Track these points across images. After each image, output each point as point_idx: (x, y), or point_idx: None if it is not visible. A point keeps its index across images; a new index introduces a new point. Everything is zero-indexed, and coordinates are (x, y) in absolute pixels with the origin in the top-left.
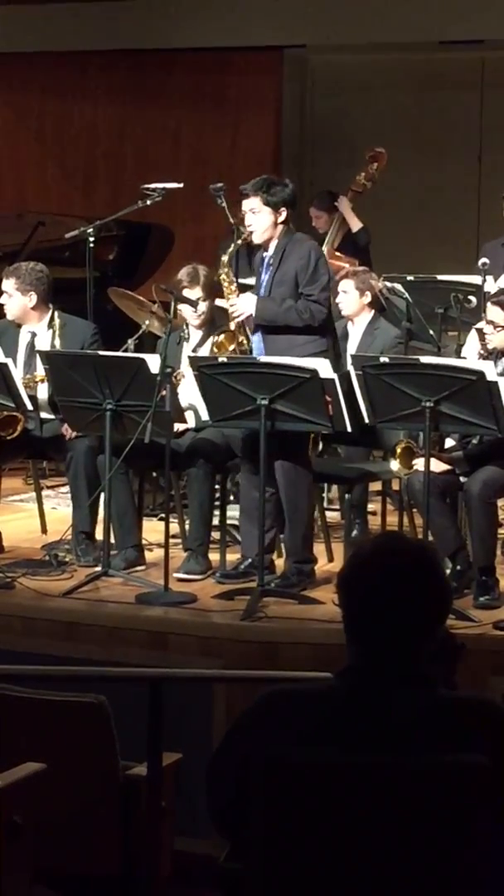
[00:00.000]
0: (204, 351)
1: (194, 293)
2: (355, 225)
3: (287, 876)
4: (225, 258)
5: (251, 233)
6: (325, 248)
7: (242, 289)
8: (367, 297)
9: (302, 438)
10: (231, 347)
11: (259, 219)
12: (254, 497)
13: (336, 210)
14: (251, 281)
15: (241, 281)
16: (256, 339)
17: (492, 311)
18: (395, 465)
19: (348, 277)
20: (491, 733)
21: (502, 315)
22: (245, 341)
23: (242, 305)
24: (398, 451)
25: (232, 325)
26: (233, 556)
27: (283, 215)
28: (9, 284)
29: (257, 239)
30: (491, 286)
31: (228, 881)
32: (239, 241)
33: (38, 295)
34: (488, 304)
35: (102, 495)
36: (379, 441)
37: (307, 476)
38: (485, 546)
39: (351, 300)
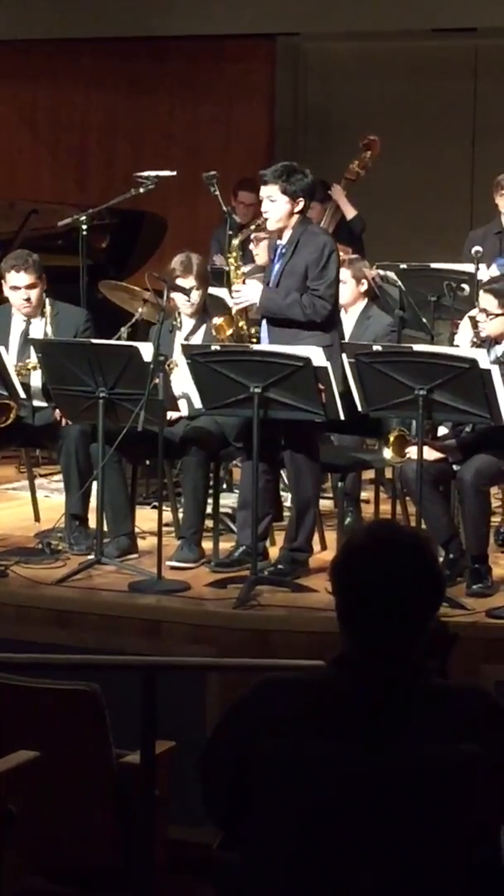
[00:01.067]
0: (196, 339)
1: (187, 282)
2: (350, 213)
3: (281, 867)
4: (235, 242)
5: (265, 220)
6: None
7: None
8: (363, 286)
9: (310, 428)
10: (229, 332)
11: (276, 207)
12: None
13: (329, 199)
14: (246, 268)
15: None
16: (262, 330)
17: (484, 299)
18: (387, 453)
19: (344, 266)
20: (483, 722)
21: (495, 303)
22: (244, 326)
23: (247, 293)
24: (391, 439)
25: (233, 309)
26: (226, 545)
27: (301, 205)
28: (30, 278)
29: (271, 227)
30: (484, 274)
31: (221, 870)
32: (249, 228)
33: (44, 284)
34: (481, 292)
35: (95, 483)
36: (372, 428)
37: (315, 467)
38: (478, 534)
39: (347, 289)
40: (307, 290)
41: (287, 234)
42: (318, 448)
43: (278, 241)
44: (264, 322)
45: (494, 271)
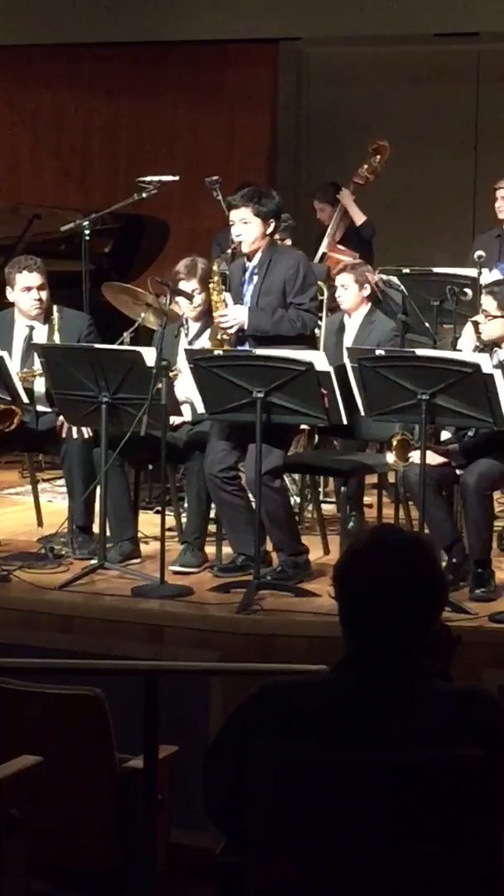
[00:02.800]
0: (201, 343)
1: (191, 285)
2: (359, 218)
3: (285, 870)
4: (215, 267)
5: (240, 243)
6: (326, 241)
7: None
8: (366, 291)
9: (280, 431)
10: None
11: (249, 229)
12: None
13: (338, 202)
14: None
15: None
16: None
17: (485, 301)
18: (390, 457)
19: (346, 271)
20: (486, 725)
21: (494, 304)
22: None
23: (235, 315)
24: (394, 443)
25: (220, 336)
26: (229, 549)
27: (272, 227)
28: (41, 278)
29: (246, 249)
30: (486, 279)
31: (225, 874)
32: (228, 251)
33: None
34: (482, 293)
35: (98, 488)
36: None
37: (273, 475)
38: (481, 538)
39: (350, 294)
40: (290, 306)
41: (258, 256)
42: (283, 451)
43: (248, 263)
44: (246, 344)
45: (497, 275)
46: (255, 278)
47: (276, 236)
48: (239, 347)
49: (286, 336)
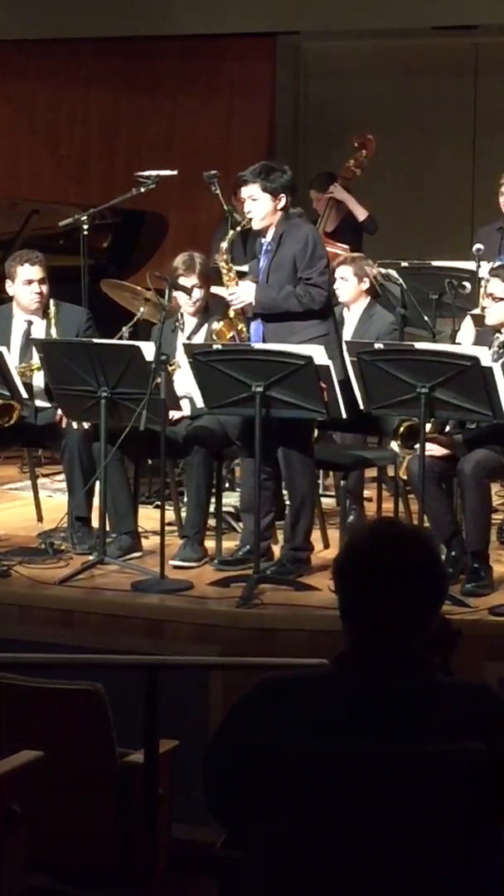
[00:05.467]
0: (199, 338)
1: (190, 280)
2: (361, 214)
3: (286, 864)
4: (224, 245)
5: (251, 219)
6: None
7: (238, 276)
8: (366, 284)
9: (305, 425)
10: (230, 335)
11: (259, 205)
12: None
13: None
14: (245, 268)
15: (236, 268)
16: (255, 327)
17: (492, 284)
18: (395, 445)
19: (346, 264)
20: (487, 719)
21: (503, 286)
22: (244, 329)
23: (242, 294)
24: (401, 430)
25: (231, 313)
26: (229, 544)
27: (283, 201)
28: (42, 271)
29: (256, 225)
30: (485, 272)
31: (225, 868)
32: (238, 228)
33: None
34: (489, 276)
35: (98, 483)
36: (375, 427)
37: (310, 464)
38: (478, 528)
39: (349, 287)
40: (299, 281)
41: (271, 231)
42: (313, 446)
43: (262, 239)
44: (257, 321)
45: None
46: (269, 254)
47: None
48: (252, 324)
49: (295, 312)
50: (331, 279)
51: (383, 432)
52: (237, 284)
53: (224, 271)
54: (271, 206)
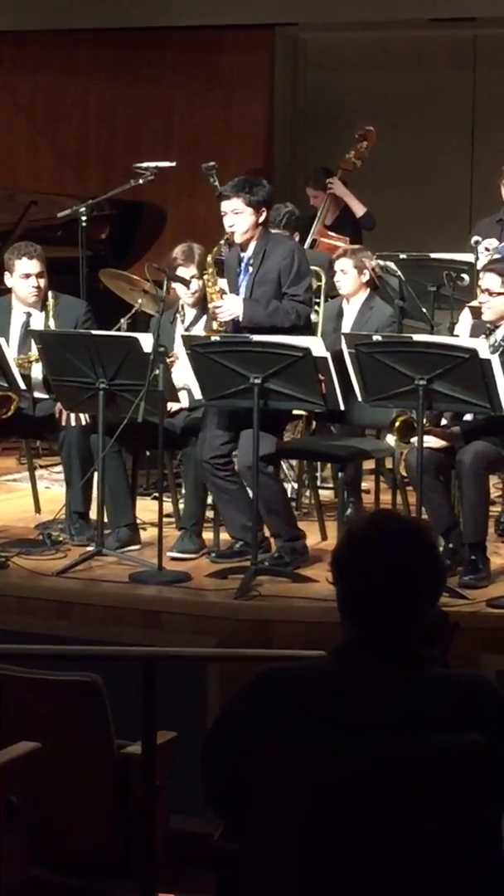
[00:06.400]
0: (197, 330)
1: (189, 271)
2: (359, 210)
3: (283, 856)
4: (209, 258)
5: (232, 233)
6: (316, 227)
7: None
8: (365, 276)
9: (266, 418)
10: None
11: (241, 219)
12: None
13: (327, 187)
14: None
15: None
16: None
17: (487, 279)
18: (391, 439)
19: (346, 256)
20: (485, 712)
21: (498, 281)
22: None
23: (229, 307)
24: (396, 424)
25: (214, 325)
26: (227, 536)
27: (263, 215)
28: (40, 265)
29: (238, 239)
30: (483, 263)
31: (223, 860)
32: (222, 242)
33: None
34: (484, 272)
35: (96, 474)
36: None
37: (267, 461)
38: (475, 519)
39: (349, 279)
40: (284, 297)
41: (252, 245)
42: (275, 436)
43: (242, 254)
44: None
45: (496, 254)
46: (251, 269)
47: (282, 230)
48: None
49: (280, 328)
50: (329, 273)
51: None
52: (222, 298)
53: (209, 285)
54: (253, 220)
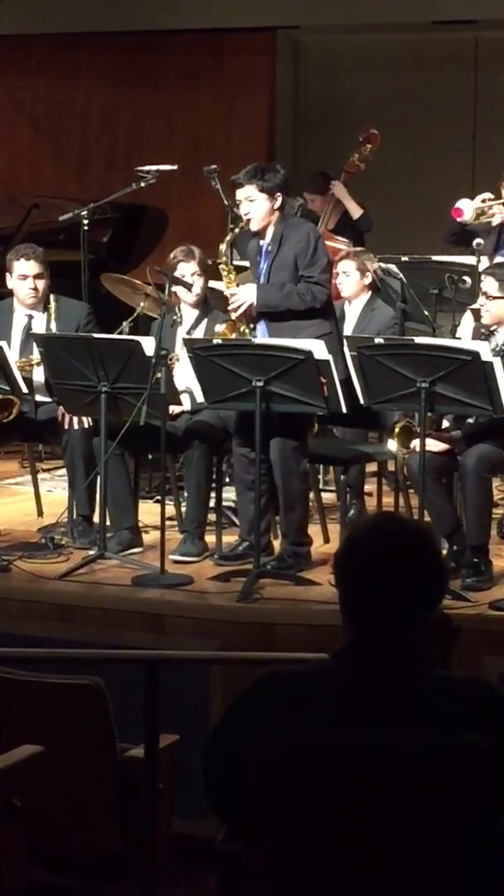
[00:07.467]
0: (198, 332)
1: (189, 267)
2: (356, 212)
3: (288, 857)
4: (223, 247)
5: (248, 221)
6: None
7: (237, 270)
8: (367, 278)
9: (299, 419)
10: (233, 337)
11: (256, 206)
12: (246, 477)
13: (329, 190)
14: (245, 262)
15: (235, 263)
16: (261, 327)
17: (486, 283)
18: (392, 444)
19: (348, 258)
20: (486, 713)
21: (496, 286)
22: (246, 331)
23: (243, 295)
24: (396, 430)
25: (233, 315)
26: (229, 538)
27: (279, 201)
28: (38, 267)
29: (255, 227)
30: (485, 266)
31: (226, 862)
32: (236, 229)
33: (49, 278)
34: (483, 275)
35: (98, 478)
36: (375, 421)
37: (302, 457)
38: (478, 523)
39: (351, 281)
40: (300, 280)
41: (270, 231)
42: (306, 438)
43: (261, 241)
44: (262, 322)
45: (498, 258)
46: (269, 255)
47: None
48: (259, 325)
49: (297, 310)
50: (332, 275)
51: (383, 427)
52: (237, 285)
53: (224, 273)
54: (269, 207)
